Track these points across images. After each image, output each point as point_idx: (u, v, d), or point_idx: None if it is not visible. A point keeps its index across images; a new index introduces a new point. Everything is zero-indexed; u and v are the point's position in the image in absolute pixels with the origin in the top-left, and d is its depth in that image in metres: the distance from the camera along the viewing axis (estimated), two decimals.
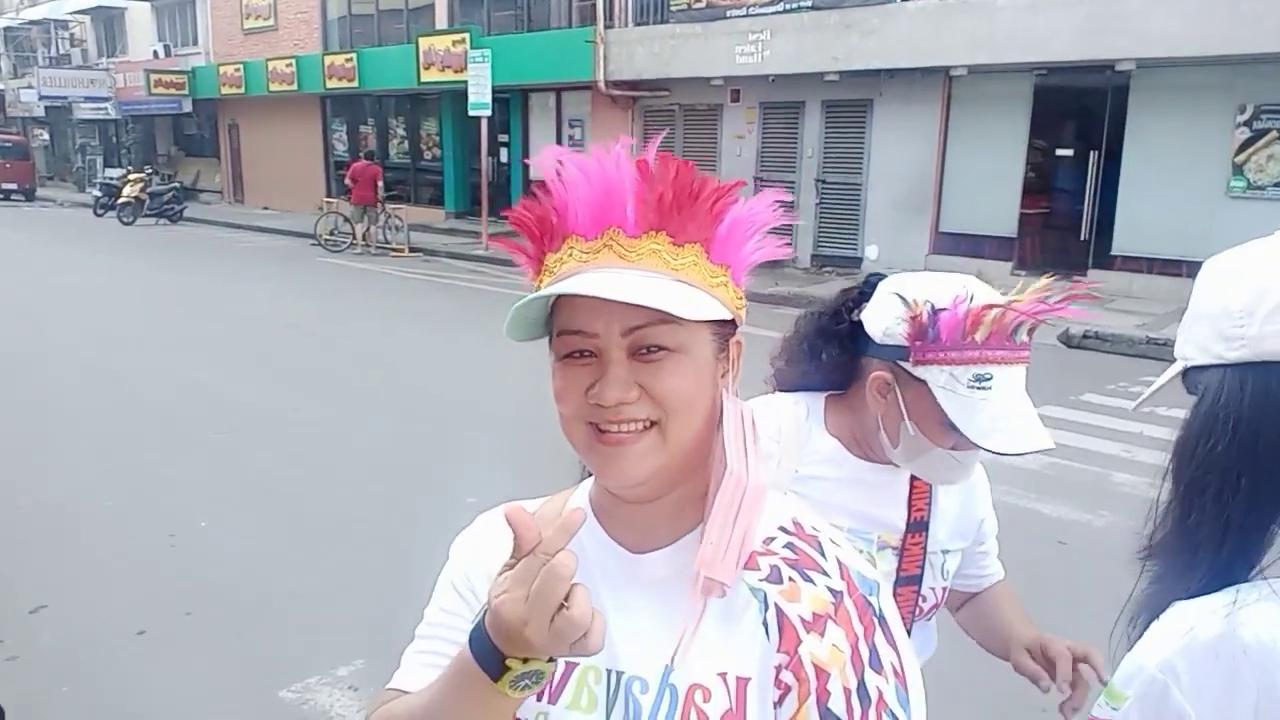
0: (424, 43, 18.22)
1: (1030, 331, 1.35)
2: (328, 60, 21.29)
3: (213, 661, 3.46)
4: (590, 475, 1.01)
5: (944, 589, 1.56)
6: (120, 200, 21.89)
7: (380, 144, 22.06)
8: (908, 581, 1.50)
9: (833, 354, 1.50)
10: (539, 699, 0.91)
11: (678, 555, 0.90)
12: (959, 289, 1.35)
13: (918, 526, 1.50)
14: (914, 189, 13.16)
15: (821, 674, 0.82)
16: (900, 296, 1.36)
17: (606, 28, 15.37)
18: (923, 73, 12.37)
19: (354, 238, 17.17)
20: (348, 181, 17.46)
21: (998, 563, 1.70)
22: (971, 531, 1.60)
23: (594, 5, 15.46)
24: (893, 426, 1.41)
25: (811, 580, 0.87)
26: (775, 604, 0.86)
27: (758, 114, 14.88)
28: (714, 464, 0.89)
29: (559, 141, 18.06)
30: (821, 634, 0.83)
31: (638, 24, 15.52)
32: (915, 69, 12.31)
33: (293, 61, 22.19)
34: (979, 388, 1.32)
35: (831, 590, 0.86)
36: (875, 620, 0.86)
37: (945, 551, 1.55)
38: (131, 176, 23.09)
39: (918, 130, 13.04)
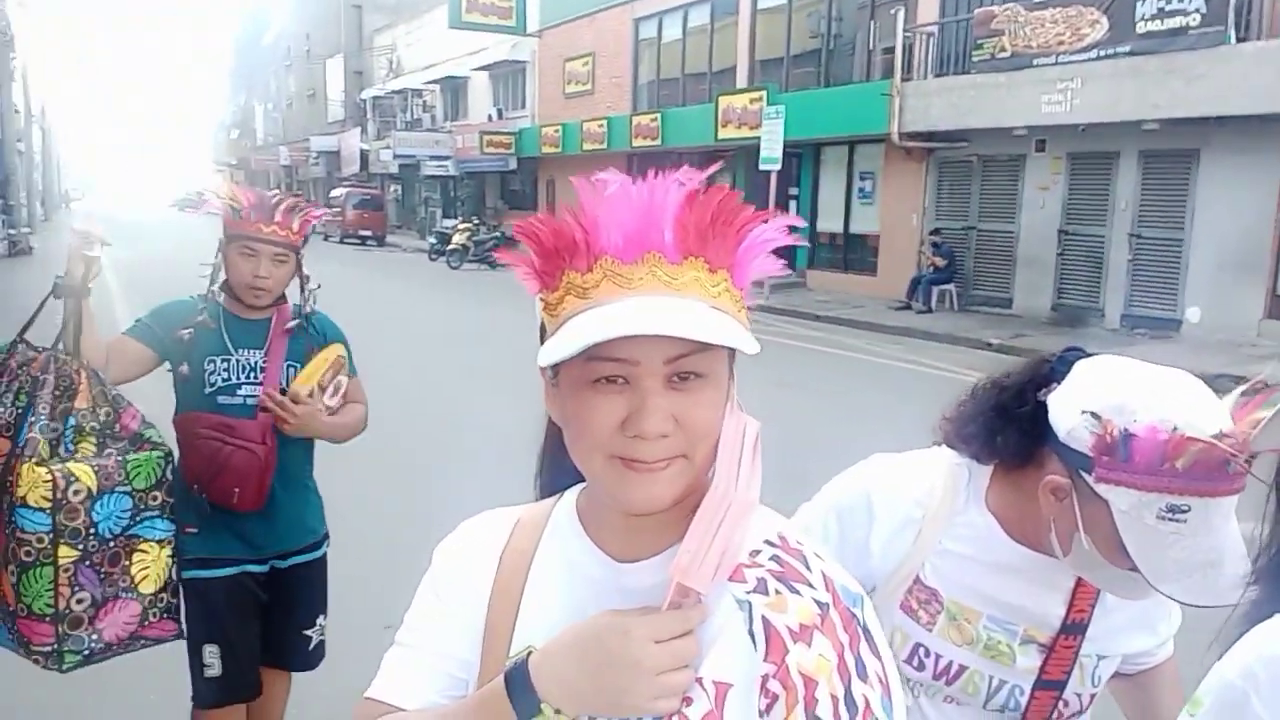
0: (723, 101, 18.91)
1: (1251, 459, 1.10)
2: (635, 120, 22.64)
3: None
4: (544, 488, 1.04)
5: (1091, 695, 1.37)
6: (450, 247, 24.52)
7: None
8: (1050, 685, 1.33)
9: (1010, 439, 1.30)
10: None
11: (662, 566, 0.90)
12: (1168, 404, 1.13)
13: (1075, 629, 1.32)
14: (1247, 247, 11.72)
15: (809, 683, 0.83)
16: (1092, 414, 1.16)
17: (905, 80, 15.16)
18: (1260, 120, 11.05)
19: None
20: None
21: (1170, 644, 1.47)
22: (1142, 639, 1.40)
23: (893, 59, 15.33)
24: (1065, 534, 1.23)
25: (798, 592, 0.87)
26: (762, 615, 0.86)
27: (1064, 165, 14.00)
28: (710, 478, 0.89)
29: (848, 194, 17.99)
30: (809, 644, 0.84)
31: (937, 75, 15.18)
32: (1252, 116, 11.03)
33: (604, 122, 23.83)
34: (1170, 519, 1.12)
35: (818, 602, 0.86)
36: (860, 631, 0.86)
37: (1101, 657, 1.36)
38: (461, 226, 25.83)
39: (1253, 182, 11.64)
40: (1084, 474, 1.18)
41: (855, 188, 17.96)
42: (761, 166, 16.38)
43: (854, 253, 18.18)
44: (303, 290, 2.60)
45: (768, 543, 0.91)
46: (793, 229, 0.89)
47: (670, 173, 0.87)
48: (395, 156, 33.57)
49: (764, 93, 17.69)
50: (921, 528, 1.35)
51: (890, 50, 15.64)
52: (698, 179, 0.86)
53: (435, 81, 34.52)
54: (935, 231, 15.45)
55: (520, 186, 30.38)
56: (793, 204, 19.20)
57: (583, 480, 0.95)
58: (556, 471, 1.02)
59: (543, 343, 0.88)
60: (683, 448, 0.85)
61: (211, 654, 2.45)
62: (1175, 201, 12.65)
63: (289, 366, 2.50)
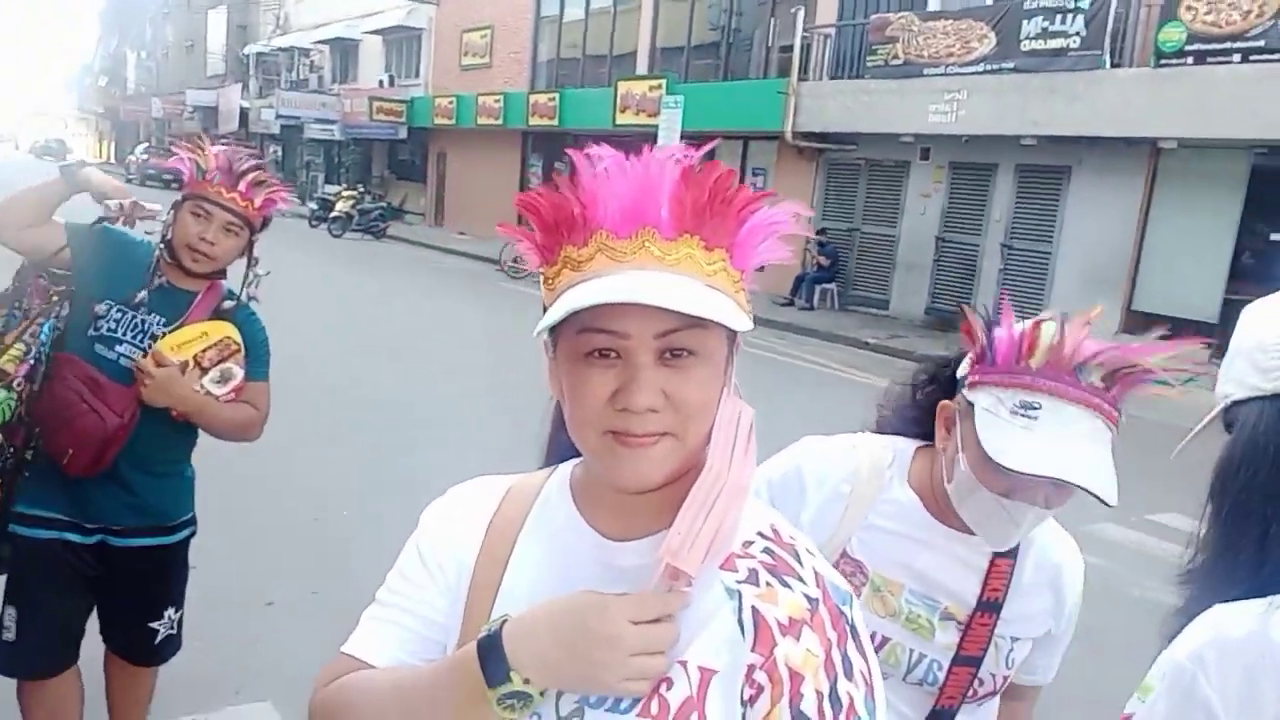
0: (623, 86, 18.87)
1: (1111, 381, 1.23)
2: (532, 98, 22.38)
3: (331, 640, 3.64)
4: (548, 462, 1.04)
5: (1005, 677, 1.44)
6: (332, 214, 23.73)
7: None
8: (966, 661, 1.40)
9: (927, 392, 1.44)
10: None
11: (652, 548, 0.89)
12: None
13: (990, 607, 1.40)
14: (1108, 263, 12.44)
15: (796, 677, 0.83)
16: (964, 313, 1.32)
17: (801, 80, 15.44)
18: (1128, 143, 11.73)
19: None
20: None
21: (1053, 670, 1.55)
22: (1048, 627, 1.47)
23: (791, 58, 15.59)
24: (950, 461, 1.34)
25: (789, 586, 0.87)
26: (752, 605, 0.86)
27: (946, 173, 14.52)
28: (704, 460, 0.89)
29: None
30: (797, 638, 0.85)
31: (832, 78, 15.51)
32: (1120, 138, 11.69)
33: (501, 97, 23.46)
34: (1022, 414, 1.23)
35: (808, 597, 0.87)
36: (848, 629, 0.87)
37: (1015, 639, 1.44)
38: (345, 194, 25.03)
39: (1117, 202, 12.36)
40: (964, 392, 1.32)
41: (748, 183, 17.89)
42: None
43: None
44: (248, 271, 2.44)
45: (760, 534, 0.92)
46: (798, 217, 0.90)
47: (666, 150, 0.86)
48: (278, 116, 32.26)
49: (664, 81, 17.77)
50: (848, 503, 1.42)
51: (788, 49, 15.86)
52: (695, 156, 0.86)
53: (325, 42, 33.29)
54: (821, 231, 15.81)
55: (409, 157, 29.66)
56: None
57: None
58: (563, 449, 1.01)
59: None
60: (672, 425, 0.85)
61: (10, 617, 2.30)
62: (1046, 216, 13.30)
63: None
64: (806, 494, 1.46)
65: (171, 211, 2.33)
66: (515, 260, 18.19)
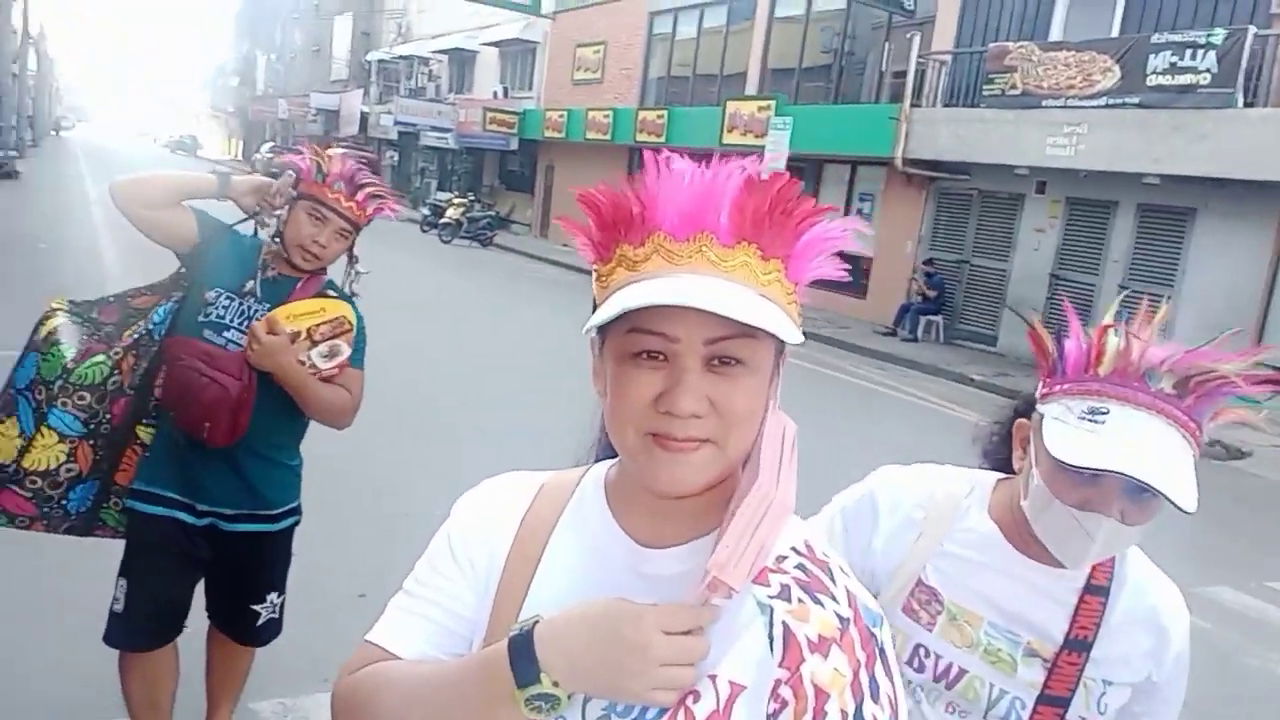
0: (731, 106, 18.87)
1: (1185, 390, 1.20)
2: (641, 115, 22.56)
3: None
4: (597, 462, 1.03)
5: None
6: (443, 220, 24.34)
7: None
8: (1052, 701, 1.35)
9: (1008, 419, 1.45)
10: None
11: (690, 556, 0.90)
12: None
13: (1078, 645, 1.35)
14: (1234, 312, 11.80)
15: (821, 695, 0.83)
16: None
17: (913, 106, 15.19)
18: (1259, 185, 11.16)
19: None
20: None
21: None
22: (1147, 673, 1.39)
23: (904, 84, 15.35)
24: (1025, 478, 1.32)
25: (820, 603, 0.87)
26: (783, 621, 0.86)
27: (1063, 208, 14.07)
28: (744, 472, 0.89)
29: (845, 214, 17.94)
30: (825, 656, 0.84)
31: (946, 105, 15.21)
32: (1251, 181, 11.13)
33: (610, 113, 23.73)
34: (1089, 419, 1.21)
35: (839, 616, 0.86)
36: (877, 651, 0.87)
37: (1109, 683, 1.37)
38: (455, 201, 25.63)
39: (1246, 248, 11.77)
40: (1037, 406, 1.32)
41: (854, 208, 17.98)
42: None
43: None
44: (349, 268, 2.58)
45: (794, 550, 0.92)
46: (858, 235, 0.91)
47: (733, 159, 0.87)
48: (396, 123, 33.26)
49: (773, 102, 17.67)
50: (922, 530, 1.40)
51: (901, 74, 15.63)
52: (761, 166, 0.87)
53: (443, 51, 34.26)
54: (929, 261, 15.50)
55: (519, 168, 30.22)
56: None
57: None
58: (608, 450, 1.00)
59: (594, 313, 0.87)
60: (715, 432, 0.84)
61: (120, 588, 2.41)
62: (1168, 259, 12.75)
63: None
64: (879, 519, 1.46)
65: (287, 208, 2.43)
66: None
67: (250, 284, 2.40)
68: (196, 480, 2.38)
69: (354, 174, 2.44)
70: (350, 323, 2.45)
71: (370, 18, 42.54)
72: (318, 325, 2.38)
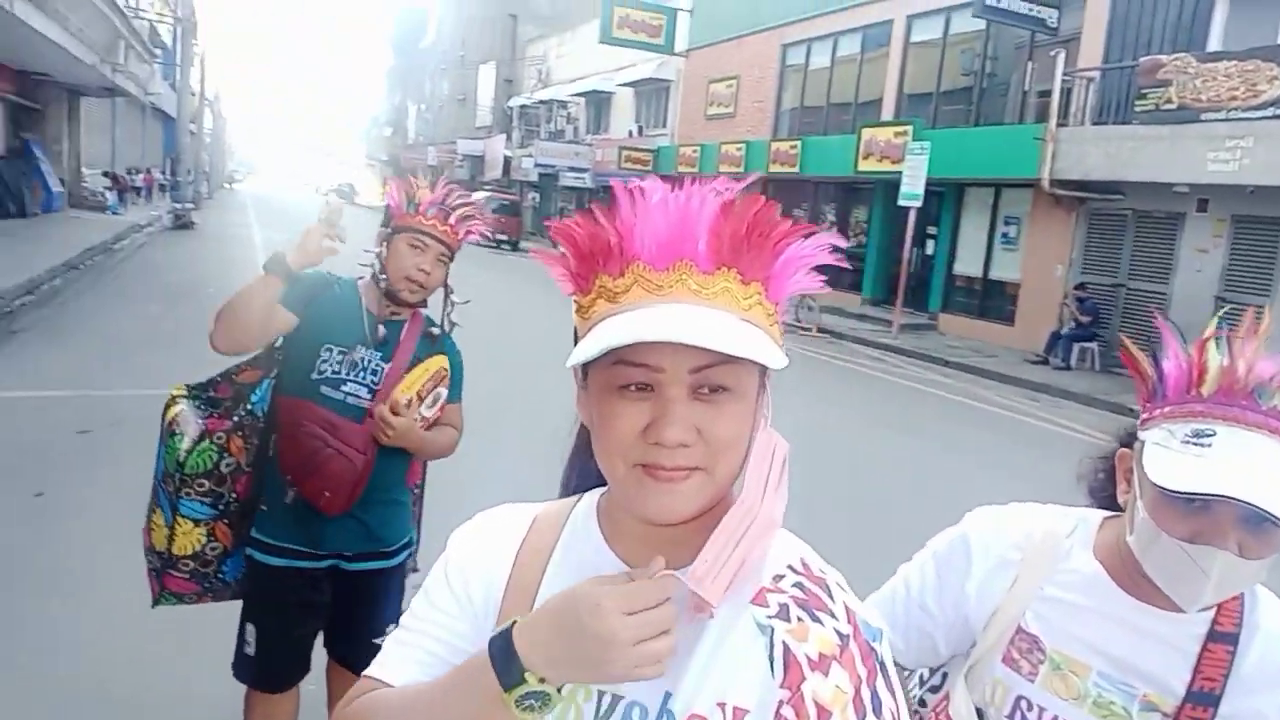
0: (866, 133, 18.60)
1: None
2: (774, 146, 22.51)
3: None
4: (572, 487, 1.03)
5: None
6: None
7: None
8: None
9: (1111, 452, 1.35)
10: None
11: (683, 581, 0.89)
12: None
13: (1204, 699, 1.21)
14: None
15: (823, 713, 0.82)
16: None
17: (1060, 125, 14.59)
18: None
19: None
20: None
21: None
22: None
23: (1049, 103, 14.78)
24: (1130, 512, 1.22)
25: (820, 621, 0.87)
26: (783, 641, 0.86)
27: (1228, 227, 13.18)
28: (734, 494, 0.89)
29: (990, 238, 17.41)
30: (826, 674, 0.84)
31: (1095, 123, 14.55)
32: None
33: (743, 145, 23.79)
34: (1194, 443, 1.11)
35: (839, 633, 0.86)
36: (877, 666, 0.87)
37: None
38: None
39: None
40: (1139, 435, 1.22)
41: (999, 232, 17.37)
42: (901, 202, 16.03)
43: (991, 299, 17.56)
44: (446, 300, 2.57)
45: (791, 568, 0.92)
46: (835, 249, 0.89)
47: (706, 182, 0.86)
48: (536, 165, 34.35)
49: (910, 127, 17.33)
50: (1019, 572, 1.31)
51: (1046, 93, 15.06)
52: (734, 189, 0.86)
53: (581, 94, 35.19)
54: (1081, 286, 14.78)
55: None
56: (930, 243, 18.74)
57: (605, 484, 0.95)
58: (582, 475, 1.03)
59: (576, 345, 0.88)
60: (703, 460, 0.85)
61: (250, 633, 2.49)
62: None
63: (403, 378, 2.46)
64: (972, 562, 1.36)
65: (384, 245, 2.42)
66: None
67: (361, 350, 2.40)
68: (316, 530, 2.43)
69: (444, 198, 2.44)
70: (445, 370, 2.48)
71: (512, 65, 44.17)
72: (424, 384, 2.42)
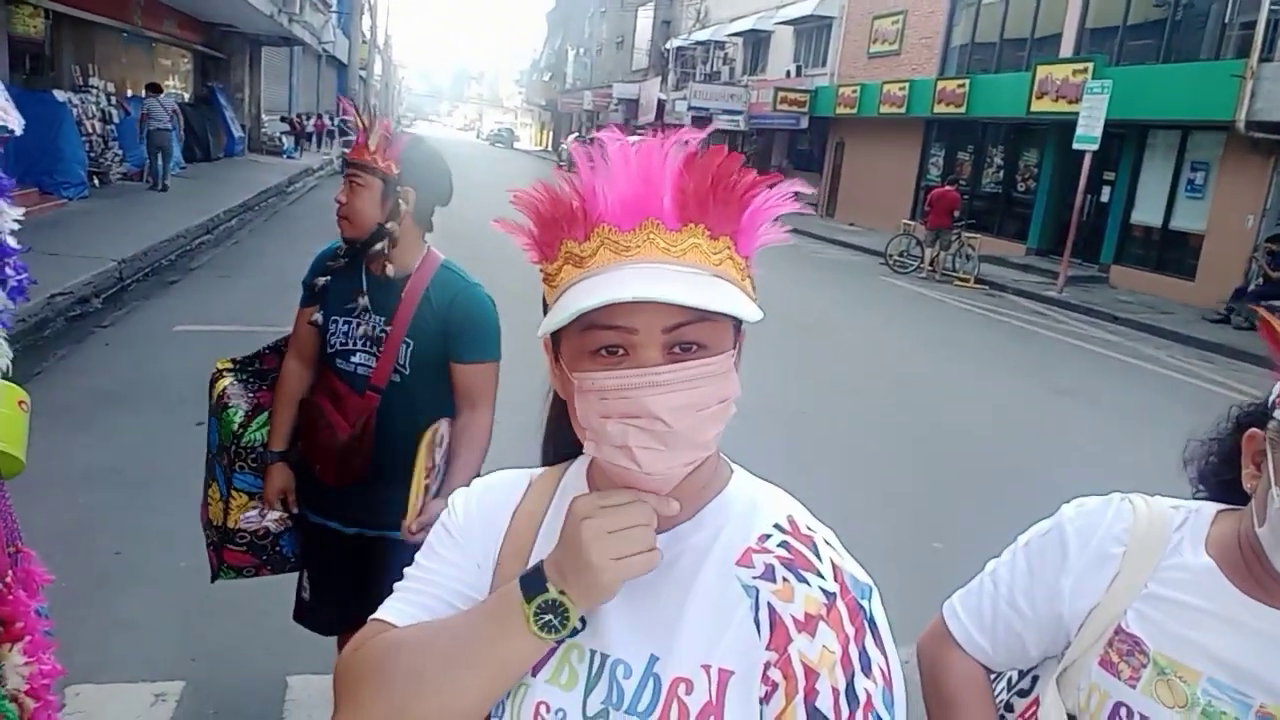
0: (1041, 71, 17.40)
1: None
2: (940, 85, 21.45)
3: None
4: (557, 461, 1.04)
5: None
6: None
7: (975, 172, 21.71)
8: None
9: (1228, 433, 1.22)
10: None
11: (673, 542, 0.91)
12: None
13: None
14: None
15: (811, 673, 0.83)
16: None
17: (1263, 60, 13.20)
18: None
19: (922, 261, 17.19)
20: (925, 206, 17.55)
21: None
22: None
23: (1253, 35, 13.37)
24: (1262, 501, 1.08)
25: (805, 581, 0.87)
26: (768, 602, 0.87)
27: None
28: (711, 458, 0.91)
29: (1174, 186, 16.06)
30: (813, 634, 0.84)
31: None
32: None
33: (906, 85, 22.77)
34: None
35: (825, 591, 0.86)
36: (866, 623, 0.86)
37: None
38: None
39: None
40: (1276, 415, 1.10)
41: (1183, 179, 15.98)
42: (1076, 145, 14.92)
43: (1171, 252, 16.25)
44: (381, 228, 2.27)
45: (777, 527, 0.92)
46: (798, 195, 0.87)
47: (668, 135, 0.84)
48: (690, 108, 33.95)
49: (1090, 64, 16.09)
50: (1120, 568, 1.19)
51: (1250, 25, 13.63)
52: (696, 141, 0.83)
53: (739, 34, 34.43)
54: (1274, 238, 13.44)
55: (808, 147, 29.85)
56: (1106, 190, 17.47)
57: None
58: (562, 444, 1.02)
59: (545, 315, 0.87)
60: None
61: (305, 579, 2.57)
62: None
63: (405, 343, 2.28)
64: (1068, 555, 1.24)
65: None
66: (902, 254, 17.64)
67: (362, 300, 2.29)
68: (337, 501, 2.39)
69: (360, 127, 2.26)
70: (440, 433, 2.24)
71: (671, 6, 43.67)
72: (426, 469, 2.18)
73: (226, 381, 2.52)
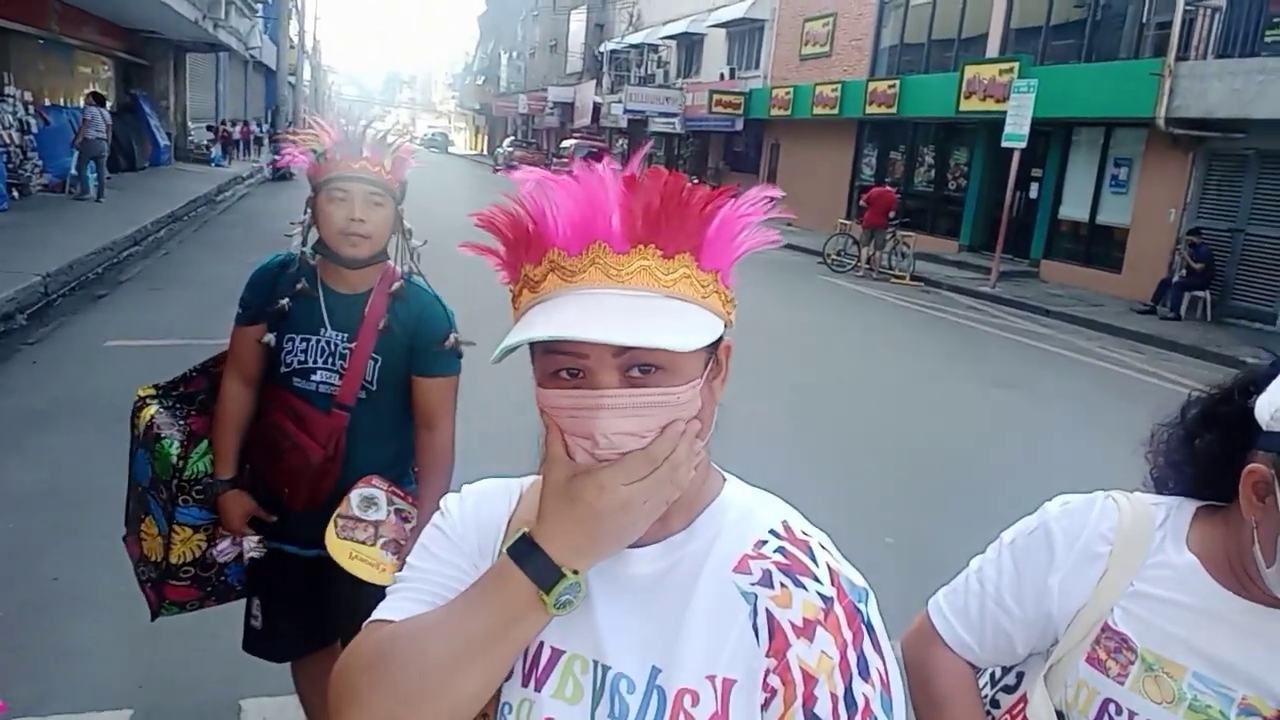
0: (969, 70, 17.78)
1: None
2: (871, 86, 21.78)
3: None
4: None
5: None
6: None
7: (907, 171, 22.09)
8: None
9: (1207, 441, 1.20)
10: (525, 685, 0.89)
11: (663, 555, 0.91)
12: None
13: None
14: None
15: (809, 679, 0.83)
16: None
17: (1179, 59, 13.66)
18: None
19: (859, 260, 17.44)
20: (861, 204, 17.83)
21: None
22: None
23: (1168, 35, 13.83)
24: (1268, 537, 1.09)
25: (803, 586, 0.87)
26: (766, 608, 0.87)
27: None
28: (702, 468, 0.90)
29: (1099, 181, 16.54)
30: (811, 640, 0.84)
31: (1219, 57, 13.57)
32: None
33: (838, 87, 23.07)
34: None
35: (822, 596, 0.87)
36: (863, 627, 0.87)
37: None
38: None
39: None
40: None
41: (1108, 175, 16.47)
42: (1004, 143, 15.32)
43: (1098, 246, 16.73)
44: (400, 244, 2.26)
45: (773, 533, 0.92)
46: (772, 200, 0.87)
47: (597, 165, 0.85)
48: (625, 111, 33.99)
49: (1016, 64, 16.48)
50: (1107, 565, 1.21)
51: (1166, 25, 14.10)
52: (634, 163, 0.84)
53: (672, 37, 34.57)
54: (1195, 231, 13.95)
55: (744, 148, 30.06)
56: (1034, 186, 17.92)
57: None
58: None
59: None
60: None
61: (256, 606, 2.42)
62: None
63: (373, 359, 2.19)
64: (1055, 554, 1.25)
65: (308, 211, 2.21)
66: (839, 253, 17.87)
67: (324, 313, 2.19)
68: (293, 526, 2.27)
69: (346, 134, 2.15)
70: (407, 524, 2.19)
71: (604, 9, 43.67)
72: (379, 552, 2.13)
73: (152, 410, 2.35)
